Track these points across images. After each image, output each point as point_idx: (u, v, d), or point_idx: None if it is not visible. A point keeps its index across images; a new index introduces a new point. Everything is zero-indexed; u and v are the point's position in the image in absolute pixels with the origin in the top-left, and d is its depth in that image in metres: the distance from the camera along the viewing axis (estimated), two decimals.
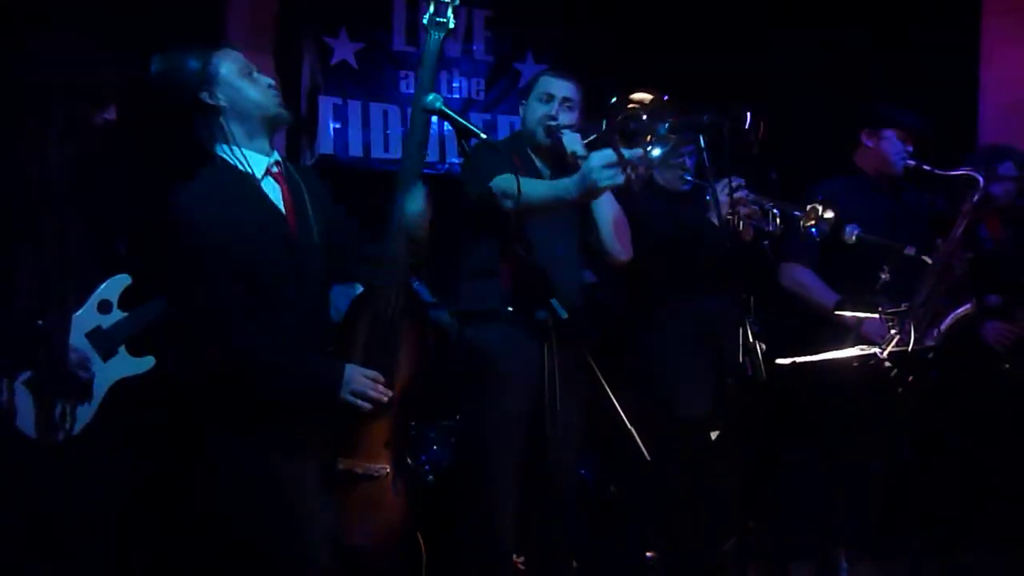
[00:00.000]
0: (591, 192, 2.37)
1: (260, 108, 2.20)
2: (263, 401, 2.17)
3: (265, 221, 2.18)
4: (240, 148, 2.18)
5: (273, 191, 2.24)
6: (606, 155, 2.27)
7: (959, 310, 3.48)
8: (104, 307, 2.70)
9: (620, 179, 2.29)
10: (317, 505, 2.26)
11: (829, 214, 3.04)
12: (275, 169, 2.24)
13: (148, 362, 2.77)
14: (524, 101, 2.95)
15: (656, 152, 2.59)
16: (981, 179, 3.31)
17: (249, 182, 2.18)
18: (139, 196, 2.89)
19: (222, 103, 2.16)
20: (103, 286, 2.70)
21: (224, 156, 2.18)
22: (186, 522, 2.96)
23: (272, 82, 2.25)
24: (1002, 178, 3.72)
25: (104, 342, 2.69)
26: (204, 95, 2.15)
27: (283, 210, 2.24)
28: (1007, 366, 3.61)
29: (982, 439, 3.73)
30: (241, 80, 2.18)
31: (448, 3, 2.43)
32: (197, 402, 2.24)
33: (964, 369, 3.63)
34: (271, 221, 2.19)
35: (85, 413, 2.64)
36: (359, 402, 2.23)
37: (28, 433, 2.53)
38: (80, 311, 2.65)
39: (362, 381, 2.23)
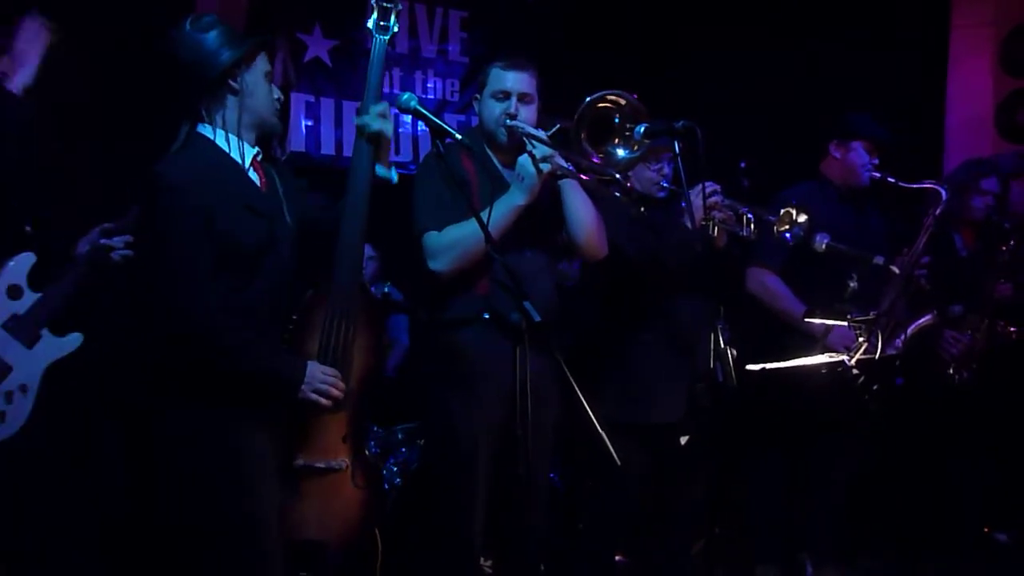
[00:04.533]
0: (532, 188, 2.60)
1: (265, 111, 2.27)
2: (225, 377, 2.17)
3: (250, 200, 2.22)
4: (233, 135, 2.23)
5: (254, 178, 2.29)
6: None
7: (921, 320, 3.53)
8: (14, 292, 2.56)
9: (551, 165, 2.56)
10: (276, 490, 2.28)
11: (803, 218, 3.06)
12: (258, 158, 2.30)
13: (76, 340, 2.64)
14: (478, 96, 2.80)
15: (621, 153, 2.62)
16: (944, 192, 3.36)
17: (236, 165, 2.23)
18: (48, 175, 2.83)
19: (240, 91, 2.21)
20: (6, 270, 2.57)
21: (210, 137, 2.22)
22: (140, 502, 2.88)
23: (280, 96, 2.33)
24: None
25: (24, 328, 2.56)
26: (229, 77, 2.19)
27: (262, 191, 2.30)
28: (951, 372, 3.66)
29: (945, 446, 3.79)
30: (263, 80, 2.26)
31: (391, 8, 2.46)
32: (156, 373, 2.19)
33: (923, 377, 3.69)
34: (255, 201, 2.24)
35: (23, 407, 2.53)
36: (321, 400, 2.25)
37: None
38: None
39: (324, 379, 2.26)
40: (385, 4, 2.46)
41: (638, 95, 2.64)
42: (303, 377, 2.23)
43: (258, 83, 2.24)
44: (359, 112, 2.47)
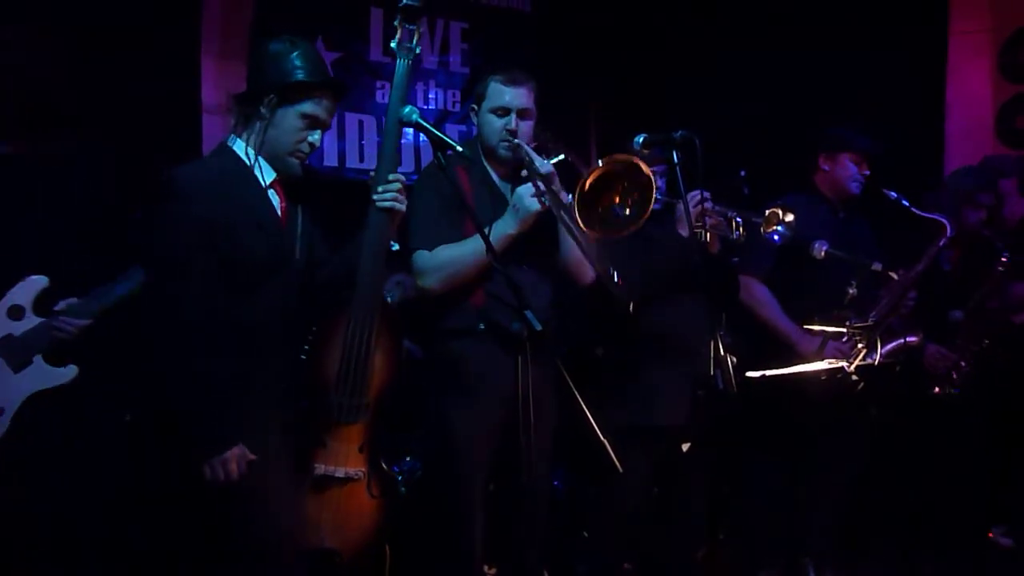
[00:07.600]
0: (526, 220, 2.59)
1: (281, 150, 2.27)
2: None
3: (262, 220, 2.26)
4: (258, 155, 2.28)
5: (274, 199, 2.33)
6: (529, 187, 2.57)
7: (908, 339, 3.54)
8: (15, 312, 2.47)
9: (546, 201, 2.55)
10: (292, 503, 2.31)
11: (789, 218, 3.08)
12: (280, 180, 2.33)
13: (70, 372, 2.52)
14: (476, 108, 2.79)
15: (621, 211, 2.62)
16: (949, 226, 3.40)
17: (256, 182, 2.27)
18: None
19: (267, 119, 2.23)
20: (14, 289, 2.49)
21: (238, 152, 2.27)
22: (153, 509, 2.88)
23: (315, 142, 2.29)
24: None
25: (15, 352, 2.45)
26: (267, 100, 2.22)
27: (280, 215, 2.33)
28: (936, 390, 3.66)
29: (945, 449, 3.80)
30: (296, 119, 2.24)
31: (414, 30, 2.48)
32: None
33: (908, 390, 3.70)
34: (268, 221, 2.27)
35: None
36: (209, 474, 2.17)
37: None
38: None
39: (226, 470, 2.16)
40: (408, 25, 2.47)
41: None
42: (216, 454, 2.13)
43: (287, 118, 2.24)
44: (373, 181, 2.45)
